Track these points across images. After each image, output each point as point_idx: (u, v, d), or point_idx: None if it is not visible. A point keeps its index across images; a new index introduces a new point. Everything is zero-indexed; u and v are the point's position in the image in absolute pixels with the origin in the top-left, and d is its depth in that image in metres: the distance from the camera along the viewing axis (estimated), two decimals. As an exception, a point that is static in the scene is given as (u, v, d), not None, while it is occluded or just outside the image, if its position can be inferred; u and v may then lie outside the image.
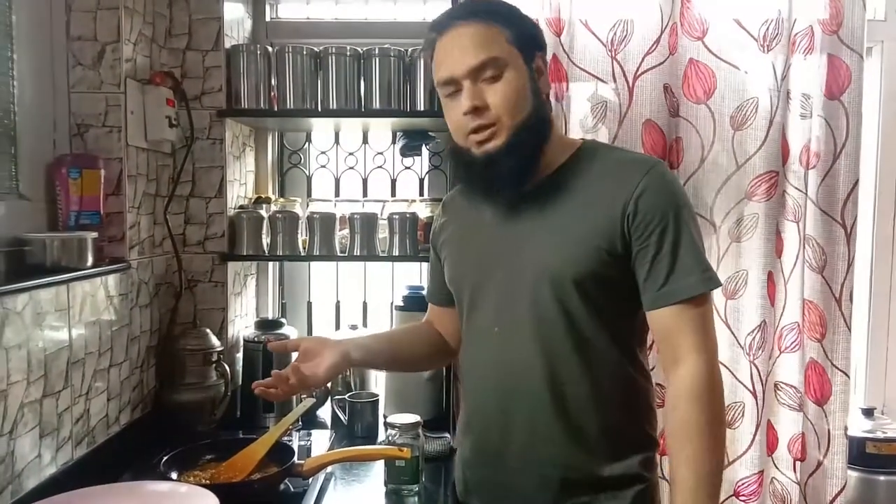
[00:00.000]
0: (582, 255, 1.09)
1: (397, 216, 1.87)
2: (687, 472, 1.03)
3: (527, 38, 1.13)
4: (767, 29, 1.68)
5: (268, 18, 2.08)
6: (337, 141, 2.16)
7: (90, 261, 1.38)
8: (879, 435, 1.82)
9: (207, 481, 1.29)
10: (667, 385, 1.10)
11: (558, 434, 1.11)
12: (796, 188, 1.71)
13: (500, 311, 1.15)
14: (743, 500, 1.76)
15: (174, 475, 1.30)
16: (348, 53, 1.81)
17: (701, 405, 1.04)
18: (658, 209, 1.07)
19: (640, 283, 1.09)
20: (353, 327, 1.97)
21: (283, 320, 1.95)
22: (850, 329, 1.72)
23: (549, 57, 1.68)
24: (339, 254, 1.89)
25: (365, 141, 2.16)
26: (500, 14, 1.12)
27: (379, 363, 1.43)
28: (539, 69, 1.14)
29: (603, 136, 1.72)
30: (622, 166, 1.12)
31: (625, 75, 1.70)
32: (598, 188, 1.11)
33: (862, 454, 1.81)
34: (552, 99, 1.69)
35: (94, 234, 1.41)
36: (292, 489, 1.37)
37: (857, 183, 1.69)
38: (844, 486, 1.73)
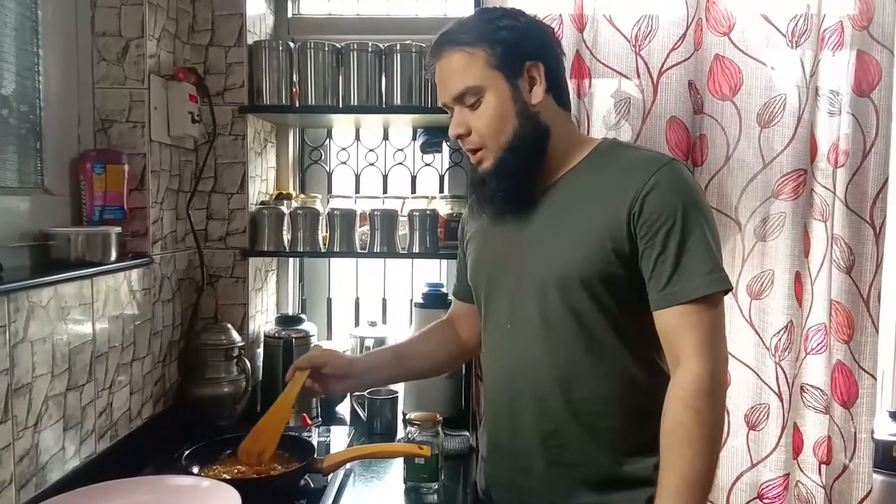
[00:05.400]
0: (589, 254, 1.08)
1: (417, 213, 1.86)
2: (672, 477, 1.01)
3: (512, 53, 1.11)
4: (796, 24, 1.65)
5: (290, 14, 2.08)
6: (357, 137, 2.16)
7: (114, 255, 1.39)
8: (907, 439, 1.79)
9: (228, 476, 1.29)
10: None
11: (568, 432, 1.12)
12: (824, 187, 1.68)
13: (512, 311, 1.17)
14: (767, 503, 1.74)
15: (195, 469, 1.30)
16: (370, 49, 1.80)
17: (693, 411, 1.01)
18: (664, 208, 1.05)
19: (646, 284, 1.08)
20: (373, 324, 1.97)
21: (303, 316, 1.95)
22: (877, 330, 1.69)
23: (571, 53, 1.67)
24: (359, 250, 1.89)
25: (385, 137, 2.15)
26: (483, 34, 1.11)
27: (384, 379, 1.53)
28: (532, 79, 1.13)
29: (626, 133, 1.70)
30: (633, 164, 1.10)
31: (649, 71, 1.67)
32: (608, 187, 1.10)
33: (888, 458, 1.78)
34: (574, 96, 1.67)
35: (118, 229, 1.42)
36: (312, 485, 1.37)
37: (886, 181, 1.65)
38: (870, 491, 1.70)
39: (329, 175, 2.18)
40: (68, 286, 1.28)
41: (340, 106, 1.83)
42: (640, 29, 1.67)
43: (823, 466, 1.72)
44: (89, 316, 1.35)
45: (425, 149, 2.09)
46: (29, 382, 1.17)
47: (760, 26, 1.67)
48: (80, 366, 1.32)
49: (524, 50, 1.12)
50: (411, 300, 2.15)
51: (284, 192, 2.00)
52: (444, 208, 1.91)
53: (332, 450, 1.54)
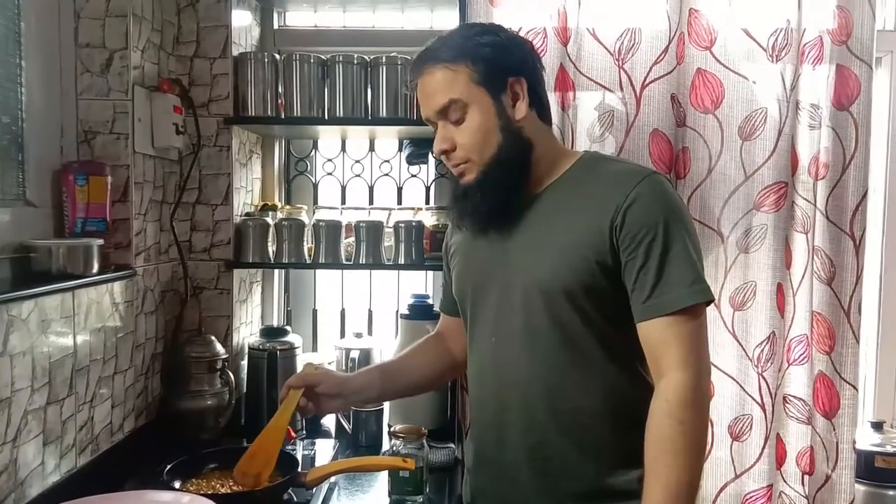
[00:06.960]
0: (572, 266, 1.09)
1: (403, 224, 1.86)
2: (656, 488, 1.02)
3: (495, 69, 1.11)
4: (776, 39, 1.67)
5: (276, 26, 2.08)
6: (343, 148, 2.16)
7: (96, 268, 1.38)
8: (888, 449, 1.80)
9: (210, 491, 1.28)
10: None
11: (553, 444, 1.13)
12: (805, 199, 1.70)
13: (497, 323, 1.18)
14: (750, 514, 1.74)
15: (177, 484, 1.29)
16: (355, 61, 1.81)
17: (677, 422, 1.02)
18: (646, 220, 1.06)
19: (629, 296, 1.08)
20: (359, 335, 1.96)
21: (288, 328, 1.94)
22: (858, 341, 1.70)
23: (555, 66, 1.68)
24: (344, 262, 1.89)
25: (371, 149, 2.16)
26: (465, 51, 1.11)
27: (377, 397, 1.48)
28: (515, 95, 1.13)
29: (610, 146, 1.71)
30: (615, 177, 1.12)
31: (632, 84, 1.69)
32: (590, 200, 1.11)
33: (870, 468, 1.79)
34: (559, 108, 1.69)
35: (100, 241, 1.41)
36: (296, 499, 1.36)
37: (865, 194, 1.68)
38: (853, 501, 1.71)
39: (315, 186, 2.17)
40: (49, 299, 1.27)
41: (326, 118, 1.83)
42: (623, 43, 1.69)
43: (806, 477, 1.73)
44: (71, 329, 1.34)
45: (411, 160, 2.09)
46: (8, 397, 1.15)
47: (742, 40, 1.69)
48: (61, 379, 1.31)
49: (507, 66, 1.12)
50: (397, 311, 2.15)
51: (270, 204, 2.00)
52: (429, 220, 1.91)
53: (317, 463, 1.53)
